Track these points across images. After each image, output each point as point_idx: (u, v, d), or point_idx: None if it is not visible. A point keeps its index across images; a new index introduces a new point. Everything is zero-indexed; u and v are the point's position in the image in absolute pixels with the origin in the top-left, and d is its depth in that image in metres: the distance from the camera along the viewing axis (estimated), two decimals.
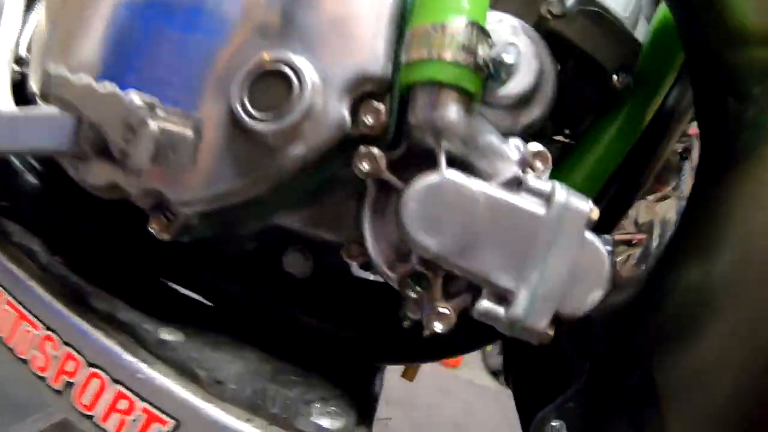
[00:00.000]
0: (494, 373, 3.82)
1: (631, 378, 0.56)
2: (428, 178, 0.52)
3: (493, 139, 0.55)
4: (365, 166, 0.54)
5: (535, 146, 0.55)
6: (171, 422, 0.57)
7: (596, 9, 0.62)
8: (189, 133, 0.54)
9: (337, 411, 0.62)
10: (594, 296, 0.53)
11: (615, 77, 0.64)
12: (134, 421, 0.58)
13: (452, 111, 0.52)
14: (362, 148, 0.54)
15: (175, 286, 0.74)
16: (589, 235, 0.53)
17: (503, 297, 0.53)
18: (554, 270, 0.52)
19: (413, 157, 0.55)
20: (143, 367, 0.58)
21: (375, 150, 0.54)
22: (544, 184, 0.53)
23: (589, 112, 0.67)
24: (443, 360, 0.78)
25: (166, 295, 0.73)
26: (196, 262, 0.71)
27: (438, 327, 0.54)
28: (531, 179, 0.53)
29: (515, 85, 0.58)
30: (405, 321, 0.61)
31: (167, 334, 0.61)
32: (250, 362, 0.64)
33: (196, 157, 0.54)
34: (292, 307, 0.70)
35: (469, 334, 0.69)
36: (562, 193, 0.53)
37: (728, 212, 0.51)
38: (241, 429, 0.57)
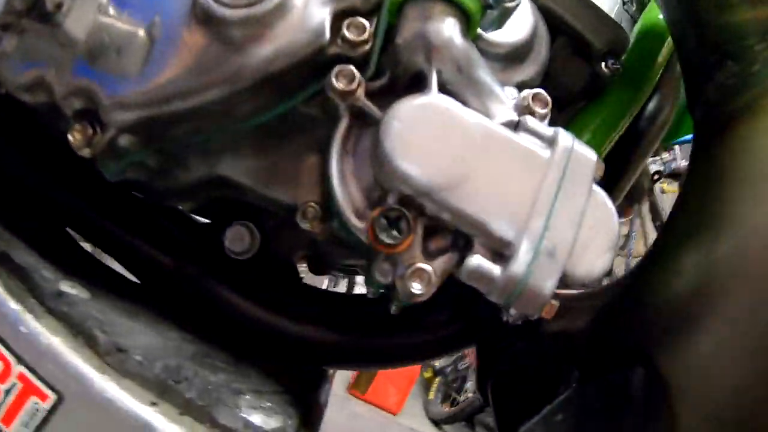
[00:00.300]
0: (435, 422, 3.60)
1: (634, 376, 0.45)
2: (416, 98, 0.41)
3: (488, 78, 0.45)
4: (340, 85, 0.42)
5: (532, 90, 0.45)
6: (51, 396, 0.40)
7: None
8: (141, 32, 0.44)
9: (273, 408, 0.46)
10: (605, 258, 0.41)
11: (603, 63, 0.58)
12: (8, 391, 0.40)
13: (448, 25, 0.42)
14: (339, 66, 0.43)
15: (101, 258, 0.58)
16: (596, 188, 0.43)
17: (499, 252, 0.40)
18: (561, 220, 0.40)
19: (396, 90, 0.44)
20: (28, 318, 0.41)
21: (353, 68, 0.43)
22: (546, 128, 0.43)
23: (577, 97, 0.60)
24: (398, 367, 0.63)
25: (83, 255, 0.56)
26: (129, 225, 0.55)
27: (416, 288, 0.40)
28: (531, 121, 0.43)
29: (511, 35, 0.50)
30: (371, 289, 0.47)
31: (69, 288, 0.44)
32: (169, 339, 0.47)
33: (147, 60, 0.43)
34: (230, 290, 0.54)
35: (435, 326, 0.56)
36: (566, 137, 0.43)
37: (732, 175, 0.44)
38: (142, 415, 0.40)
